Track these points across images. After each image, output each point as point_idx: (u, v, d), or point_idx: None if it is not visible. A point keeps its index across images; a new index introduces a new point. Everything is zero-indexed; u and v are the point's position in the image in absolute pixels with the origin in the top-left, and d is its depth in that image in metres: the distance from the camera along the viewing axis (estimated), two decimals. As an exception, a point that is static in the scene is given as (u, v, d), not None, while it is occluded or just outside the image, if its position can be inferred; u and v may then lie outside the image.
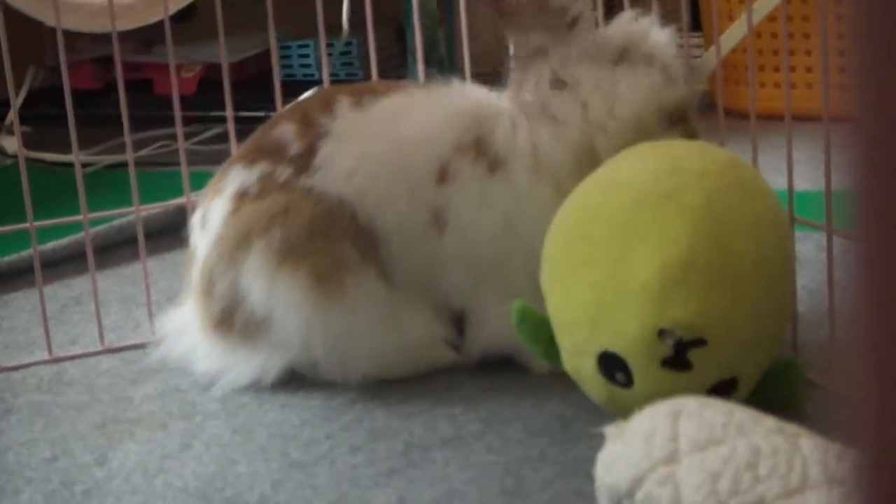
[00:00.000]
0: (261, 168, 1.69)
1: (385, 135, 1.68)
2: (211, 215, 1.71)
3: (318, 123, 1.70)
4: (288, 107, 1.83)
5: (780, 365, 1.50)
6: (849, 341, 0.53)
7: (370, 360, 1.67)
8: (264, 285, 1.64)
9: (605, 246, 1.44)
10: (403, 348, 1.68)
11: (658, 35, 1.68)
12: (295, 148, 1.69)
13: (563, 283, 1.49)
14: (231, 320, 1.68)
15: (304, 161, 1.68)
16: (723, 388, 1.42)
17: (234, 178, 1.71)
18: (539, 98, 1.65)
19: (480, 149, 1.66)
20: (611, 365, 1.43)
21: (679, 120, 1.64)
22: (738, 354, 1.42)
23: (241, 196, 1.69)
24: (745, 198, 1.46)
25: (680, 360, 1.39)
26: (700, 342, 1.39)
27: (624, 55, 1.65)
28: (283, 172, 1.68)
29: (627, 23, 1.69)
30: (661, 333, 1.39)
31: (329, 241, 1.63)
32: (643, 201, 1.44)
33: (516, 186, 1.64)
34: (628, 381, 1.42)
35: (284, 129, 1.72)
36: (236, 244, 1.66)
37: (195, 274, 1.73)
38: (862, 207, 0.52)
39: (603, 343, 1.43)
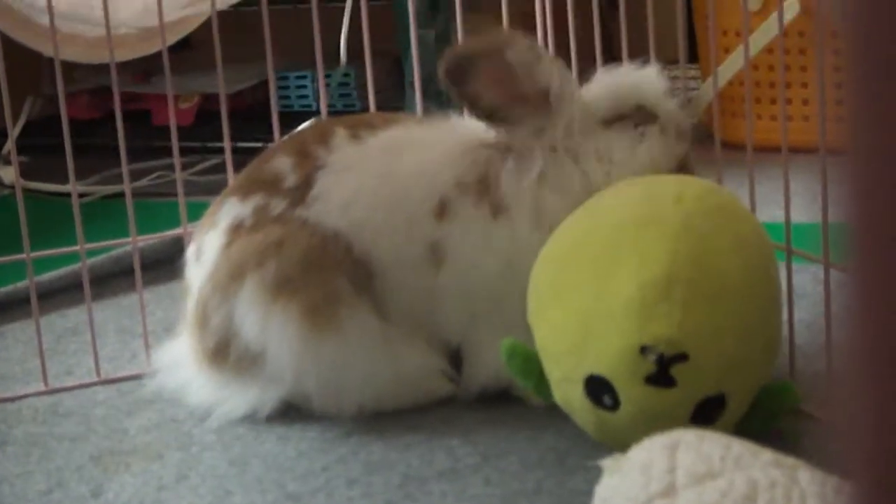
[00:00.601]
0: (255, 201, 1.69)
1: (383, 167, 1.68)
2: (205, 248, 1.71)
3: (315, 156, 1.70)
4: (283, 139, 1.83)
5: (775, 388, 1.50)
6: (846, 374, 0.53)
7: (365, 393, 1.66)
8: (258, 319, 1.64)
9: (586, 273, 1.46)
10: (400, 380, 1.67)
11: (655, 88, 1.69)
12: (291, 180, 1.69)
13: (548, 313, 1.50)
14: (225, 353, 1.68)
15: (300, 193, 1.68)
16: (711, 406, 1.42)
17: (228, 211, 1.71)
18: (538, 167, 1.65)
19: (484, 189, 1.66)
20: (597, 388, 1.44)
21: (678, 171, 1.66)
22: (722, 370, 1.42)
23: (236, 229, 1.69)
24: (725, 220, 1.48)
25: (663, 376, 1.40)
26: (682, 357, 1.39)
27: (620, 115, 1.67)
28: (278, 205, 1.68)
29: (622, 77, 1.70)
30: (644, 350, 1.40)
31: (323, 273, 1.63)
32: (622, 228, 1.47)
33: (518, 234, 1.64)
34: (615, 404, 1.42)
35: (280, 162, 1.71)
36: (230, 277, 1.66)
37: (190, 307, 1.73)
38: (858, 240, 0.52)
39: (588, 367, 1.44)
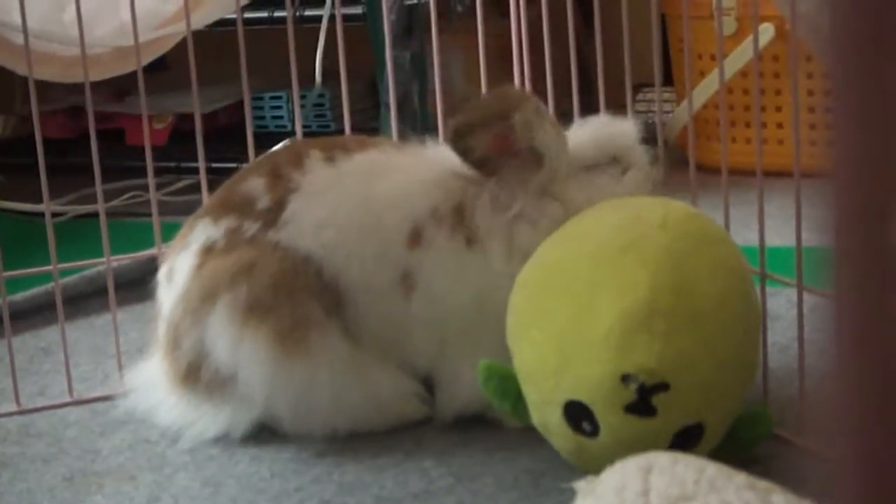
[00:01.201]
0: (227, 222, 1.69)
1: (357, 192, 1.68)
2: (177, 269, 1.71)
3: (288, 178, 1.70)
4: (257, 160, 1.83)
5: (750, 415, 1.50)
6: (822, 397, 0.53)
7: (336, 416, 1.66)
8: (229, 341, 1.63)
9: (566, 296, 1.46)
10: (372, 403, 1.67)
11: (631, 141, 1.70)
12: (263, 202, 1.69)
13: (527, 335, 1.49)
14: (197, 375, 1.68)
15: (273, 215, 1.67)
16: (689, 435, 1.42)
17: (201, 232, 1.71)
18: (518, 207, 1.65)
19: (458, 220, 1.66)
20: (576, 414, 1.43)
21: None
22: (702, 400, 1.42)
23: (208, 251, 1.68)
24: (706, 245, 1.49)
25: (644, 405, 1.40)
26: (663, 386, 1.39)
27: (597, 164, 1.68)
28: (251, 227, 1.67)
29: (601, 129, 1.71)
30: (625, 379, 1.39)
31: (294, 297, 1.63)
32: (602, 254, 1.46)
33: (490, 266, 1.64)
34: (594, 430, 1.42)
35: (253, 184, 1.71)
36: (202, 300, 1.65)
37: (161, 329, 1.72)
38: (837, 265, 0.52)
39: (568, 392, 1.44)
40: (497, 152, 1.63)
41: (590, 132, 1.71)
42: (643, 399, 1.39)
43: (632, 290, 1.42)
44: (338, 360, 1.63)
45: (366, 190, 1.68)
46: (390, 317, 1.66)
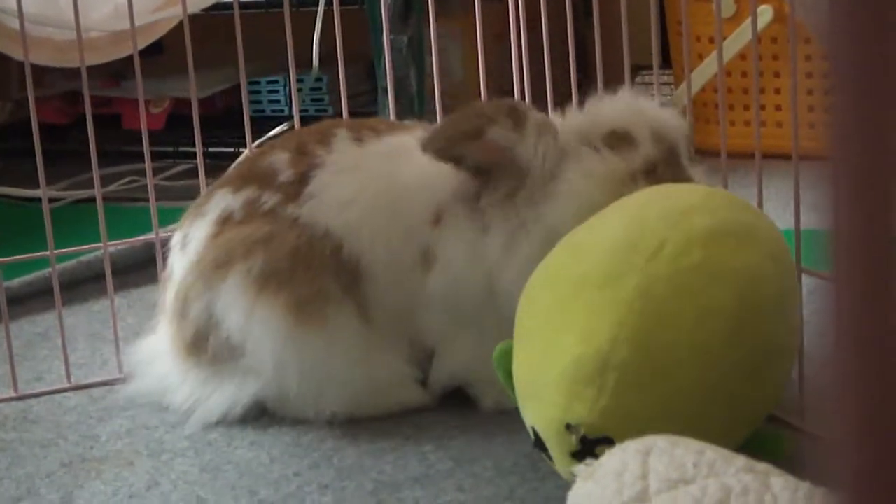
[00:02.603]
0: (247, 194, 1.70)
1: (385, 172, 1.68)
2: (192, 237, 1.71)
3: (314, 154, 1.71)
4: (283, 136, 1.83)
5: (764, 437, 1.44)
6: (823, 380, 0.53)
7: (341, 394, 1.66)
8: (241, 311, 1.64)
9: (543, 322, 1.42)
10: (373, 387, 1.67)
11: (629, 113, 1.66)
12: (286, 175, 1.69)
13: (516, 343, 1.47)
14: (204, 345, 1.68)
15: (294, 189, 1.68)
16: None
17: (218, 202, 1.71)
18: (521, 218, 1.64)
19: (476, 204, 1.65)
20: (538, 441, 1.42)
21: (649, 174, 1.63)
22: None
23: (225, 220, 1.69)
24: (698, 286, 1.37)
25: (588, 454, 1.34)
26: (607, 440, 1.33)
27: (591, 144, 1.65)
28: (270, 199, 1.68)
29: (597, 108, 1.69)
30: (568, 427, 1.36)
31: (310, 271, 1.63)
32: (584, 284, 1.39)
33: (493, 254, 1.63)
34: (552, 460, 1.41)
35: (277, 158, 1.72)
36: (215, 267, 1.66)
37: (170, 295, 1.72)
38: (838, 246, 0.52)
39: (530, 420, 1.42)
40: (485, 161, 1.63)
41: (597, 112, 1.68)
42: (587, 449, 1.35)
43: (594, 337, 1.35)
44: (351, 338, 1.64)
45: (393, 171, 1.68)
46: (407, 294, 1.66)
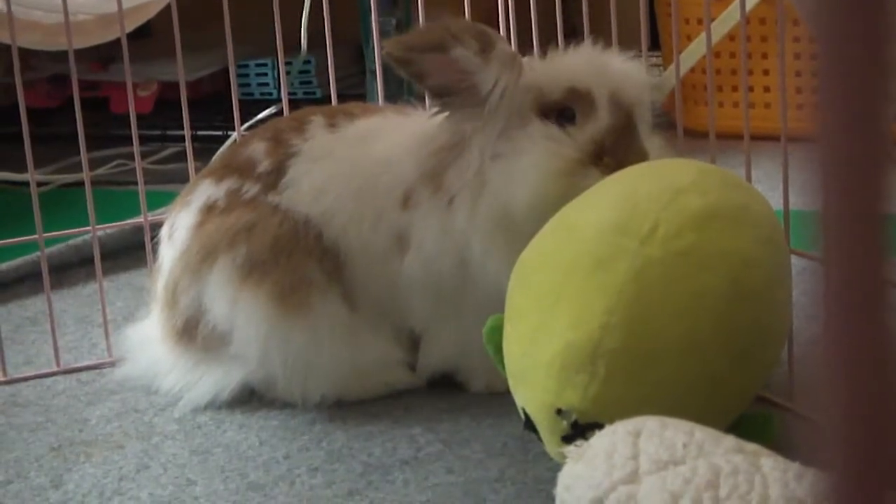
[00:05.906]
0: (229, 183, 1.70)
1: (354, 157, 1.68)
2: (178, 227, 1.71)
3: (289, 143, 1.71)
4: (263, 125, 1.83)
5: (753, 419, 1.44)
6: (813, 361, 0.53)
7: (329, 379, 1.66)
8: (227, 299, 1.64)
9: (535, 303, 1.41)
10: (360, 370, 1.67)
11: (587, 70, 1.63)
12: (264, 165, 1.69)
13: (507, 322, 1.46)
14: (193, 332, 1.69)
15: (273, 179, 1.68)
16: None
17: (202, 192, 1.72)
18: (477, 171, 1.62)
19: (440, 180, 1.64)
20: (528, 422, 1.42)
21: (602, 155, 1.59)
22: None
23: (209, 210, 1.69)
24: (690, 270, 1.36)
25: (580, 438, 1.33)
26: (598, 425, 1.30)
27: (544, 104, 1.62)
28: (251, 189, 1.68)
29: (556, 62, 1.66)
30: (559, 412, 1.36)
31: (293, 259, 1.63)
32: (576, 267, 1.38)
33: (458, 223, 1.62)
34: (542, 441, 1.41)
35: (255, 147, 1.72)
36: (201, 258, 1.67)
37: (160, 285, 1.73)
38: (821, 226, 0.52)
39: (522, 401, 1.42)
40: (447, 82, 1.61)
41: (558, 64, 1.64)
42: (579, 433, 1.34)
43: (585, 323, 1.34)
44: (336, 323, 1.64)
45: (360, 155, 1.68)
46: (387, 279, 1.66)
